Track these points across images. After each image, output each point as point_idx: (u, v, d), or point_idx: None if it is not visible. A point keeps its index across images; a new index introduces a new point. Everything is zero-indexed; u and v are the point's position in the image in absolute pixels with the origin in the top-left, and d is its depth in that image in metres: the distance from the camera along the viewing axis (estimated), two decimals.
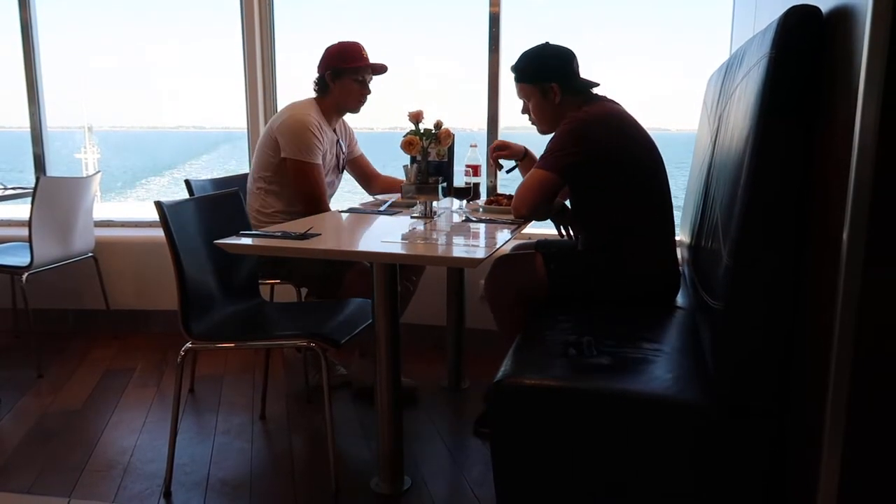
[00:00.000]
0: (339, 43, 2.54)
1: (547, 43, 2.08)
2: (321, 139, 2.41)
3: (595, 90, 2.06)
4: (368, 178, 2.81)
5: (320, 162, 2.41)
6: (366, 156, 2.80)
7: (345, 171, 2.72)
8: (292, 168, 2.38)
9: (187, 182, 2.54)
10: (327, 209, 2.40)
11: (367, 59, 2.49)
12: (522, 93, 2.11)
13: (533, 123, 2.14)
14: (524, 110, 2.14)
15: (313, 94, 2.54)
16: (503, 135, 3.17)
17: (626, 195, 1.96)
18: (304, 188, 2.39)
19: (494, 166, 2.38)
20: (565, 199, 2.22)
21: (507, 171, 2.42)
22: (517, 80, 2.10)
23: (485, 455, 2.06)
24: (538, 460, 1.44)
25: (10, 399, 2.48)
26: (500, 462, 1.47)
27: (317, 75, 2.51)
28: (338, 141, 2.59)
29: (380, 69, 2.53)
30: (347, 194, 2.92)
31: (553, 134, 1.99)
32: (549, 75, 2.03)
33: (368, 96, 2.53)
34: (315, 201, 2.38)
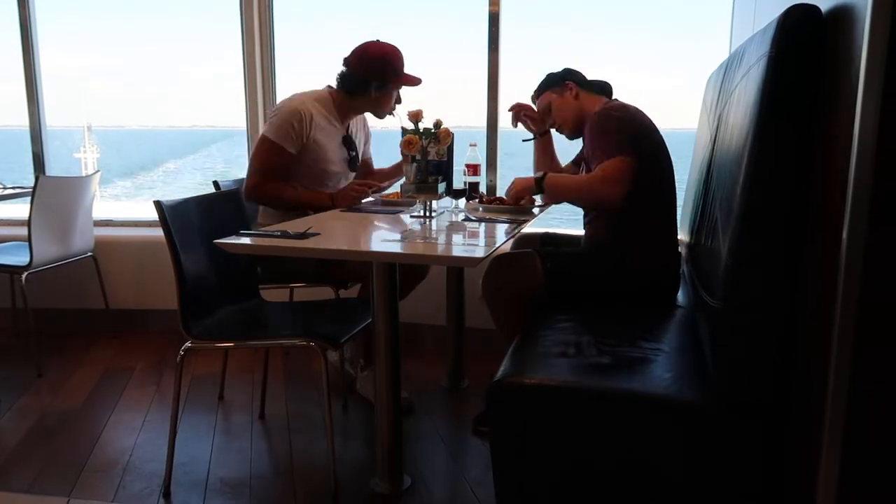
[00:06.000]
0: (391, 50, 2.43)
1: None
2: (301, 129, 2.33)
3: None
4: (367, 174, 2.76)
5: (288, 149, 2.32)
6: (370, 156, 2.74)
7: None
8: (258, 141, 2.34)
9: (216, 184, 2.51)
10: (260, 187, 2.32)
11: (408, 74, 2.46)
12: (543, 103, 2.22)
13: (560, 131, 2.23)
14: (551, 123, 2.25)
15: (331, 84, 2.46)
16: (502, 135, 3.17)
17: (641, 190, 1.94)
18: (253, 159, 2.36)
19: (515, 122, 2.43)
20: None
21: (524, 141, 2.47)
22: (535, 96, 2.24)
23: (484, 454, 2.06)
24: (537, 459, 1.44)
25: (10, 398, 2.48)
26: (500, 461, 1.47)
27: (351, 72, 2.41)
28: (348, 138, 2.52)
29: (416, 82, 2.48)
30: None
31: (591, 133, 1.98)
32: (560, 78, 2.19)
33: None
34: (254, 174, 2.32)
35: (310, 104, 2.37)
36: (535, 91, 2.26)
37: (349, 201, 2.39)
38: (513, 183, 2.21)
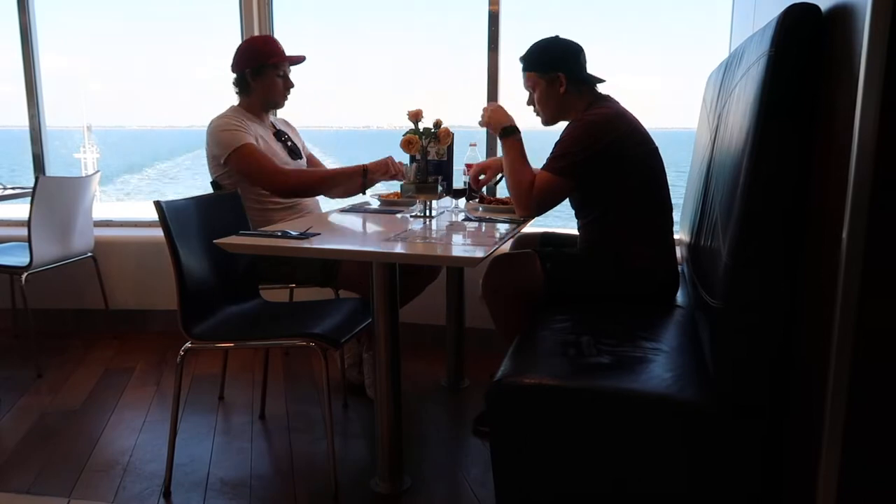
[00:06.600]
0: (254, 38, 2.55)
1: (557, 36, 2.10)
2: (242, 126, 2.36)
3: (599, 87, 2.09)
4: None
5: (251, 140, 2.35)
6: (314, 155, 2.77)
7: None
8: (233, 162, 2.33)
9: (215, 184, 2.51)
10: (287, 175, 2.32)
11: (284, 52, 2.49)
12: (529, 82, 2.11)
13: (537, 114, 2.16)
14: (529, 101, 2.14)
15: (236, 100, 2.52)
16: None
17: (630, 193, 1.98)
18: (253, 170, 2.32)
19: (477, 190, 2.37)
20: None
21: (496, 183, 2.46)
22: (524, 68, 2.11)
23: (485, 455, 2.06)
24: (537, 459, 1.44)
25: (10, 399, 2.48)
26: (500, 461, 1.47)
27: (234, 75, 2.48)
28: (279, 132, 2.58)
29: (298, 60, 2.53)
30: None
31: (561, 135, 1.99)
32: (557, 65, 2.05)
33: (292, 89, 2.54)
34: (271, 174, 2.31)
35: (226, 116, 2.42)
36: (523, 58, 2.10)
37: (384, 171, 2.38)
38: (491, 108, 2.13)
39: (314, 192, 2.45)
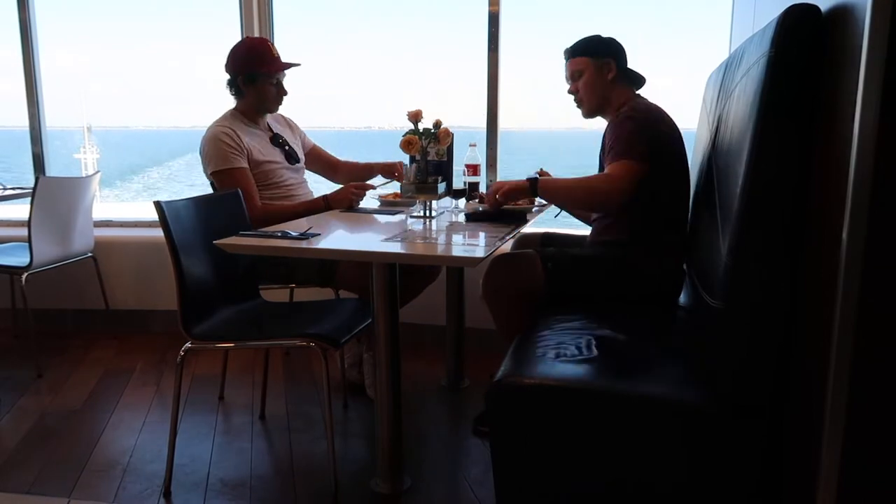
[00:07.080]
0: (247, 43, 2.53)
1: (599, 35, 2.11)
2: (235, 144, 2.36)
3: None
4: (332, 167, 2.79)
5: (241, 165, 2.36)
6: (319, 145, 2.79)
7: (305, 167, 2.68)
8: (216, 180, 2.37)
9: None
10: (257, 207, 2.33)
11: (278, 59, 2.47)
12: (575, 67, 2.08)
13: (578, 105, 2.13)
14: (572, 90, 2.12)
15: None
16: (502, 135, 3.16)
17: (653, 196, 1.93)
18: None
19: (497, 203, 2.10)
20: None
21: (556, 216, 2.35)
22: (571, 55, 2.09)
23: (485, 455, 2.06)
24: (538, 460, 1.44)
25: (10, 399, 2.48)
26: (500, 461, 1.47)
27: (228, 76, 2.48)
28: (276, 136, 2.57)
29: (292, 66, 2.52)
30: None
31: (614, 132, 1.94)
32: (609, 51, 2.06)
33: (286, 96, 2.53)
34: (245, 202, 2.29)
35: (222, 124, 2.42)
36: (571, 48, 2.10)
37: (346, 204, 2.40)
38: (496, 186, 2.07)
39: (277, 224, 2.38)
